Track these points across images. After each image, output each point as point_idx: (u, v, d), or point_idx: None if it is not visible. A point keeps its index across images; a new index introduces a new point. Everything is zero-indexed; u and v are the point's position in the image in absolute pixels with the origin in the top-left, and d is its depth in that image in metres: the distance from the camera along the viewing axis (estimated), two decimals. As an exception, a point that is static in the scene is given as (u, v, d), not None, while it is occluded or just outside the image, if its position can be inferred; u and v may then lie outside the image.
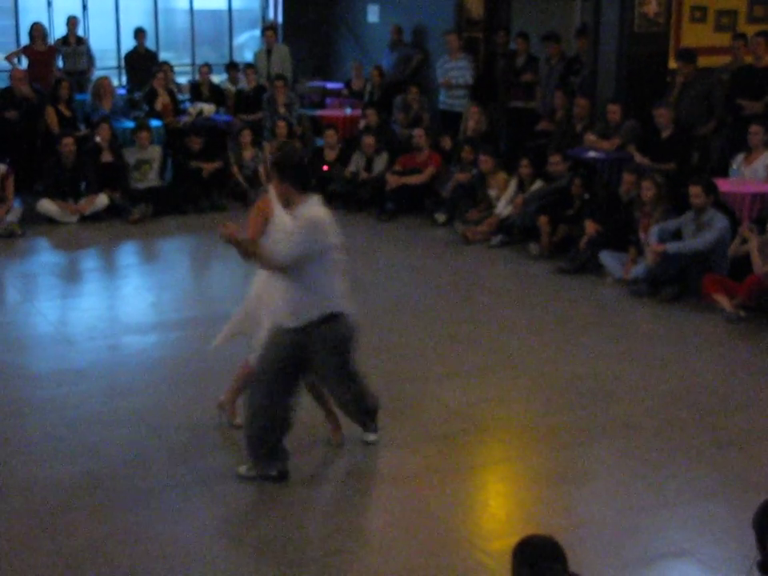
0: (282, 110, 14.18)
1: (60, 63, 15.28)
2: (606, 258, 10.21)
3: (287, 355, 5.89)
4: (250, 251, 5.68)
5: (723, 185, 10.11)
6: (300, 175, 5.81)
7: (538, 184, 11.54)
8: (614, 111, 11.75)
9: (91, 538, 5.48)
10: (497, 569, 5.11)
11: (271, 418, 5.92)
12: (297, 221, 5.73)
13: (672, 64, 12.42)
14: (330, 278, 5.82)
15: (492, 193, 11.93)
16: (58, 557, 5.29)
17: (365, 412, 6.41)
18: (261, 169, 13.29)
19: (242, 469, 6.11)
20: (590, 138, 11.82)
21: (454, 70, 14.06)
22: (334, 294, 5.85)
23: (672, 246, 9.51)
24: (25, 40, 15.40)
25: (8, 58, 15.11)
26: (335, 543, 5.45)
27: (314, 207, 5.80)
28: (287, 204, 5.81)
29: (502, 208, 11.69)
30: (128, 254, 11.98)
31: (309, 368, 5.99)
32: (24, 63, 14.96)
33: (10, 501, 5.85)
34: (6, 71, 14.80)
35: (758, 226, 9.26)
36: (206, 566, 5.23)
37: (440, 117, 14.32)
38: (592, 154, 11.69)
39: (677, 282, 9.59)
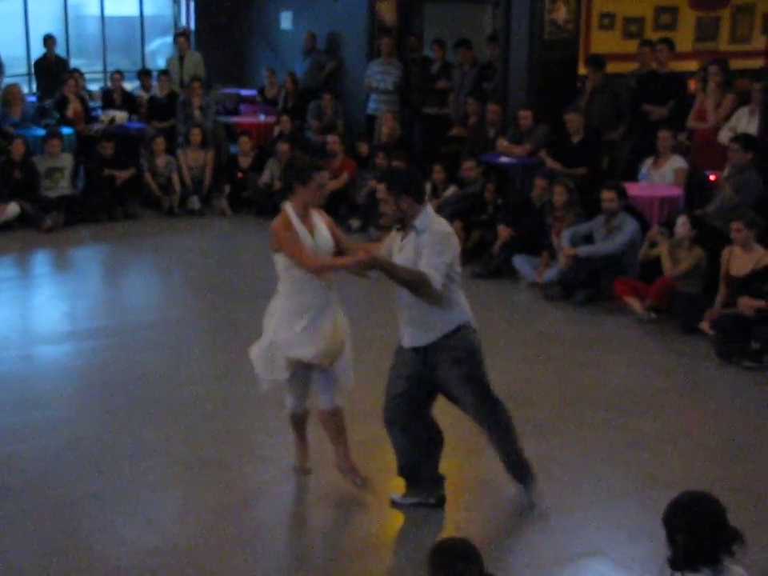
0: (197, 113, 14.05)
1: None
2: (520, 262, 10.33)
3: (414, 375, 5.65)
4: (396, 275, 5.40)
5: (633, 189, 10.29)
6: (420, 187, 5.55)
7: (451, 189, 11.63)
8: (525, 117, 11.90)
9: (3, 549, 5.41)
10: None
11: (415, 441, 5.74)
12: (429, 235, 5.39)
13: (582, 70, 12.61)
14: (458, 289, 5.63)
15: (406, 198, 11.97)
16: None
17: (519, 461, 5.85)
18: (174, 176, 13.21)
19: (396, 495, 5.89)
20: (503, 143, 11.96)
21: (379, 74, 14.09)
22: (462, 306, 5.65)
23: (584, 250, 9.67)
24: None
25: None
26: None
27: (437, 218, 5.54)
28: (403, 219, 5.47)
29: (417, 213, 11.73)
30: (40, 263, 11.81)
31: (437, 385, 5.68)
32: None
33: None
34: None
35: (667, 229, 9.45)
36: (124, 578, 5.20)
37: (366, 121, 14.34)
38: (504, 159, 11.83)
39: (589, 286, 9.75)
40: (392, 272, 5.40)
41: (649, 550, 5.36)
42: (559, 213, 10.13)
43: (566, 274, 9.77)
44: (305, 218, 5.73)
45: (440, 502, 5.84)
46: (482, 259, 10.72)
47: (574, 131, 11.27)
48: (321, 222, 5.82)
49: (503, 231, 10.50)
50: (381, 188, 5.45)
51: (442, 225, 5.44)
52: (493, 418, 5.70)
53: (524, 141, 11.85)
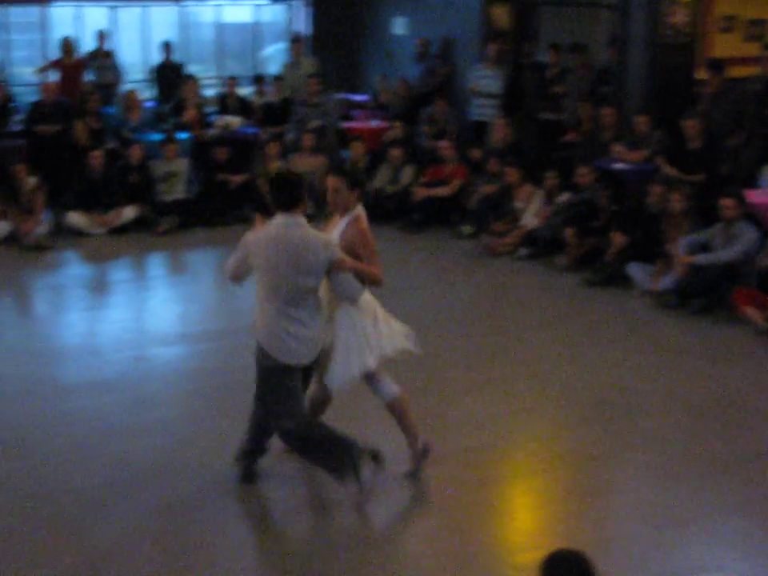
0: (313, 112, 14.10)
1: (89, 76, 15.36)
2: (634, 269, 10.14)
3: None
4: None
5: (753, 196, 10.03)
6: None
7: (564, 196, 11.50)
8: (642, 122, 11.71)
9: (117, 544, 5.50)
10: (524, 583, 5.06)
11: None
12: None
13: (700, 74, 12.34)
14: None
15: (518, 205, 11.88)
16: (82, 562, 5.32)
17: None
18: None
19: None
20: (618, 149, 11.77)
21: (485, 79, 14.02)
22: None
23: (701, 258, 9.45)
24: (54, 54, 15.50)
25: (39, 72, 15.22)
26: (361, 555, 5.43)
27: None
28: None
29: (528, 220, 11.65)
30: (155, 266, 12.01)
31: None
32: (54, 76, 15.04)
33: (39, 509, 5.88)
34: (37, 85, 14.90)
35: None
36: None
37: (472, 127, 14.27)
38: (620, 165, 11.64)
39: (706, 295, 9.52)
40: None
41: (765, 568, 5.20)
42: (676, 220, 9.92)
43: (682, 282, 9.56)
44: (334, 220, 6.28)
45: (373, 454, 5.86)
46: (595, 266, 10.56)
47: (693, 137, 11.02)
48: (339, 230, 6.17)
49: (617, 238, 10.33)
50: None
51: (258, 231, 5.88)
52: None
53: (640, 146, 11.65)
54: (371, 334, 6.00)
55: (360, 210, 6.16)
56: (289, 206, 5.75)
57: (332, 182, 6.09)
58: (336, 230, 6.12)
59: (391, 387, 6.16)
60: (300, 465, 6.25)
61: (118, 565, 5.33)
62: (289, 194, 5.75)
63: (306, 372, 5.96)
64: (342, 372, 5.97)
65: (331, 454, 5.80)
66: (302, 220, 5.80)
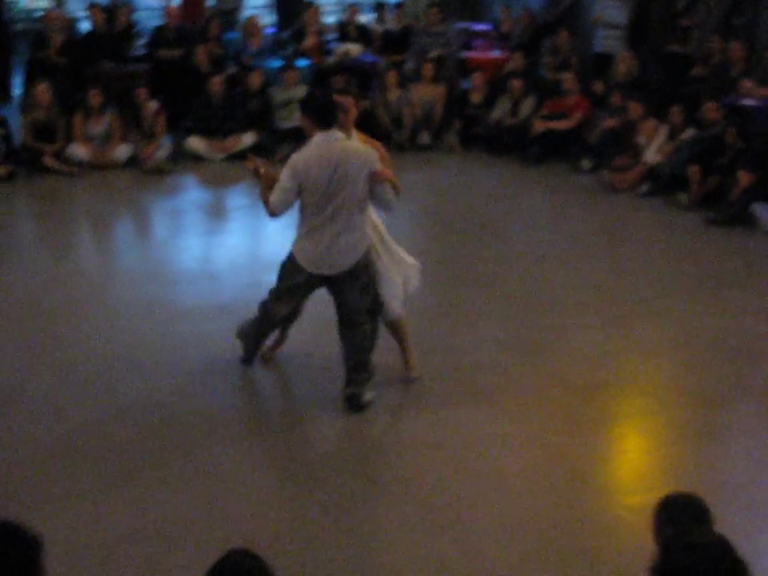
0: (433, 33, 13.95)
1: (210, 2, 15.41)
2: (760, 209, 9.85)
3: None
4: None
5: None
6: (322, 113, 6.03)
7: (689, 132, 11.19)
8: (773, 57, 11.30)
9: (236, 471, 5.58)
10: (635, 524, 4.99)
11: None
12: None
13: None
14: (308, 220, 6.18)
15: (641, 140, 11.61)
16: (204, 487, 5.42)
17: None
18: (405, 110, 13.21)
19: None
20: (747, 84, 11.39)
21: (610, 9, 13.66)
22: (302, 239, 6.23)
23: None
24: (177, -22, 15.59)
25: (161, -4, 15.34)
26: (470, 489, 5.43)
27: (310, 145, 6.05)
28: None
29: (651, 156, 11.38)
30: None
31: None
32: (176, 1, 15.13)
33: (158, 430, 6.00)
34: (160, 10, 15.01)
35: None
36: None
37: (595, 59, 13.95)
38: (749, 101, 11.26)
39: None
40: (262, 180, 6.27)
41: None
42: (806, 159, 9.60)
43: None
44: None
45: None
46: (718, 205, 10.29)
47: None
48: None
49: (743, 177, 10.02)
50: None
51: (299, 154, 5.99)
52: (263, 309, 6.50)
53: (771, 82, 11.26)
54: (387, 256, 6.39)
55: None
56: (329, 123, 5.98)
57: (347, 101, 6.25)
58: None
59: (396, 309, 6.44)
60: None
61: (236, 496, 5.42)
62: (328, 112, 5.99)
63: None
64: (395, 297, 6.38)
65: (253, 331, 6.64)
66: (340, 134, 6.02)
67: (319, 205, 5.96)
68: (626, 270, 8.95)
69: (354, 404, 6.23)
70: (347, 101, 6.25)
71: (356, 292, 6.15)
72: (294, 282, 6.20)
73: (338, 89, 6.55)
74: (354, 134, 6.32)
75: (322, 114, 5.97)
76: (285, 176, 5.99)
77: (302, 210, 6.08)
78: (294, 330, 6.93)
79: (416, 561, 4.80)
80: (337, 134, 5.99)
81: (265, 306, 6.46)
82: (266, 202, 6.16)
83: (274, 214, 6.16)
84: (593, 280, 8.64)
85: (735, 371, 6.88)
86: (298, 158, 5.99)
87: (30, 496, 5.28)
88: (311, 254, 6.07)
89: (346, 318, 6.23)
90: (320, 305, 6.74)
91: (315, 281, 6.20)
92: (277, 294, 6.34)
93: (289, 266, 6.22)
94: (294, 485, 5.44)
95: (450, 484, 5.48)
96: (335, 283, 6.16)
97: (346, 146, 5.97)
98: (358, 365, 6.27)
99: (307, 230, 6.07)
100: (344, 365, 6.33)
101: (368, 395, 6.29)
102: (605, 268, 8.96)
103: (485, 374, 6.74)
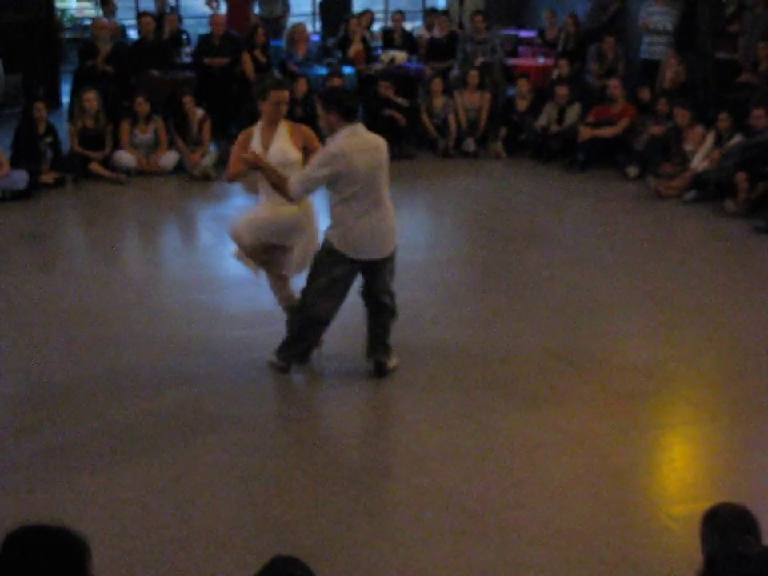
0: (477, 48, 13.94)
1: (256, 9, 15.50)
2: (808, 217, 9.75)
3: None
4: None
5: None
6: (347, 106, 6.19)
7: (737, 138, 11.10)
8: (823, 63, 11.17)
9: (281, 476, 5.60)
10: (682, 533, 4.96)
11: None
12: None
13: None
14: (353, 210, 6.31)
15: (687, 147, 11.53)
16: (257, 492, 5.45)
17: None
18: (450, 117, 13.21)
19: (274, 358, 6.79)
20: (796, 91, 11.28)
21: (657, 15, 13.59)
22: (344, 226, 6.35)
23: None
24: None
25: (208, 4, 15.43)
26: (515, 497, 5.41)
27: (343, 138, 6.14)
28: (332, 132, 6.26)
29: (698, 162, 11.30)
30: (317, 199, 12.07)
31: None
32: (223, 9, 15.23)
33: (202, 436, 6.02)
34: (207, 17, 15.12)
35: None
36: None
37: (641, 66, 13.88)
38: (797, 107, 11.14)
39: None
40: (266, 172, 6.31)
41: None
42: None
43: None
44: (267, 131, 6.64)
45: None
46: (766, 213, 10.18)
47: None
48: (285, 138, 6.62)
49: (792, 184, 9.94)
50: (318, 103, 6.36)
51: (336, 145, 6.08)
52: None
53: (820, 88, 11.14)
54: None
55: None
56: (354, 116, 6.23)
57: (282, 96, 6.58)
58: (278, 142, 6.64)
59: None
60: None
61: (282, 502, 5.44)
62: (353, 105, 6.24)
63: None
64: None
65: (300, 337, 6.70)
66: (362, 127, 6.28)
67: (363, 193, 6.18)
68: (672, 277, 8.88)
69: (380, 370, 6.61)
70: (283, 95, 6.57)
71: (386, 274, 6.47)
72: (335, 274, 6.34)
73: (276, 82, 6.79)
74: (283, 121, 6.69)
75: (349, 107, 6.18)
76: (317, 164, 6.13)
77: (343, 202, 6.22)
78: (352, 342, 7.03)
79: (460, 568, 4.80)
80: (360, 125, 6.27)
81: (305, 311, 6.53)
82: (280, 189, 6.28)
83: (292, 200, 6.36)
84: (639, 287, 8.59)
85: (784, 380, 6.81)
86: (335, 149, 6.11)
87: (74, 502, 5.32)
88: (357, 240, 6.24)
89: (374, 297, 6.53)
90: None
91: (356, 268, 6.37)
92: (317, 292, 6.43)
93: (327, 260, 6.35)
94: (339, 491, 5.45)
95: (494, 491, 5.47)
96: (373, 266, 6.37)
97: (371, 136, 6.32)
98: (382, 336, 6.66)
99: (354, 219, 6.21)
100: (368, 335, 6.69)
101: (392, 362, 6.67)
102: (651, 275, 8.90)
103: (530, 381, 6.73)
